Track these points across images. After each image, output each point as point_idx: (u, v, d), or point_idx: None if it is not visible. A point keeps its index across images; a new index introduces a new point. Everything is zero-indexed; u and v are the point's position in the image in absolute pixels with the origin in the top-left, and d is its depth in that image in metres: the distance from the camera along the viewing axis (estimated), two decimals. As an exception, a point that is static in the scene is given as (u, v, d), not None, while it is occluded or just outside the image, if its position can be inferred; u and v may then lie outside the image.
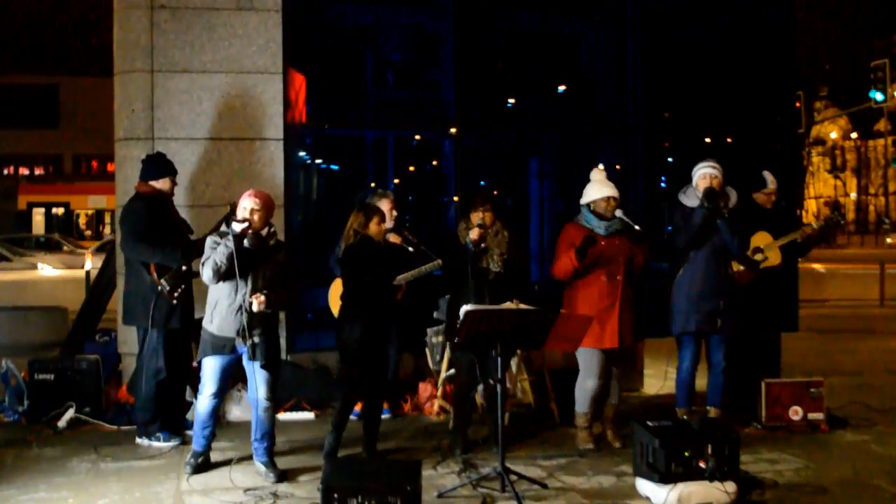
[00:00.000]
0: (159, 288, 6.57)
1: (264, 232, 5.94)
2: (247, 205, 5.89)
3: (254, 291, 5.82)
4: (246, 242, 5.82)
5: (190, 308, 6.81)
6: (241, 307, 5.84)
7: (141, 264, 6.68)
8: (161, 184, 6.82)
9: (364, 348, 6.19)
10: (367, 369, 6.24)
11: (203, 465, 6.11)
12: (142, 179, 6.88)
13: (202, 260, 5.86)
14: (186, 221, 7.06)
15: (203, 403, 6.08)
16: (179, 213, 7.08)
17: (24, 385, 7.53)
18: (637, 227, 6.52)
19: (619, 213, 6.58)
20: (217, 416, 6.24)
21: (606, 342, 6.51)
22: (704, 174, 6.83)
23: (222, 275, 5.79)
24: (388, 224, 7.46)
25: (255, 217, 5.87)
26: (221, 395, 6.17)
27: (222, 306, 5.90)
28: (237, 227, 5.80)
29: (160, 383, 6.76)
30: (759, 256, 7.18)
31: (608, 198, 6.63)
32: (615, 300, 6.55)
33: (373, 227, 6.23)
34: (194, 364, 6.63)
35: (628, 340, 6.64)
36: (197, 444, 6.13)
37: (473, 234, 6.38)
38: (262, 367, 5.94)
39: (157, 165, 6.87)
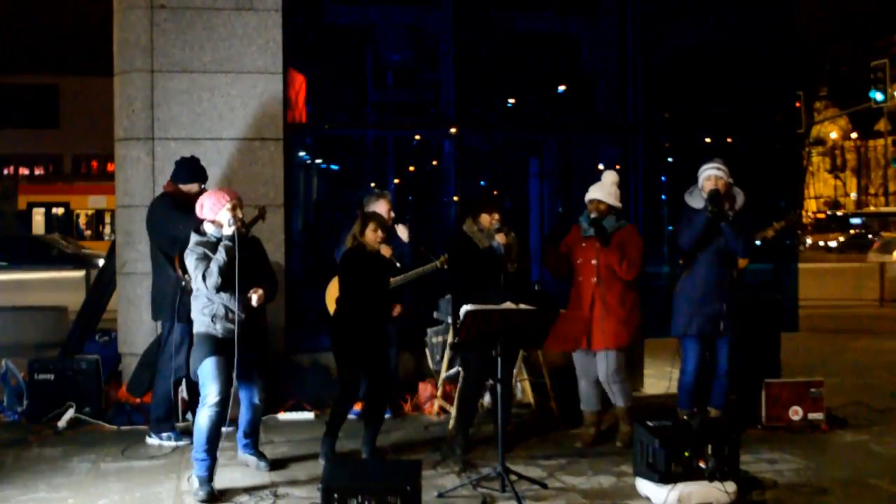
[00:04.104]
0: (183, 283, 6.56)
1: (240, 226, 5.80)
2: (230, 205, 5.73)
3: (249, 287, 5.74)
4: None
5: None
6: (240, 305, 5.71)
7: (166, 260, 6.70)
8: (188, 188, 6.83)
9: (356, 352, 6.20)
10: (367, 372, 6.24)
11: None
12: (171, 180, 6.93)
13: (198, 272, 5.63)
14: None
15: (207, 415, 5.60)
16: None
17: (24, 385, 7.53)
18: (602, 237, 6.55)
19: (592, 215, 6.62)
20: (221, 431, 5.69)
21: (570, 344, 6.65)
22: (710, 176, 6.75)
23: (225, 280, 5.62)
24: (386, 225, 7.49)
25: (239, 213, 5.78)
26: (227, 403, 5.70)
27: (224, 311, 5.71)
28: (230, 230, 5.67)
29: (177, 381, 6.75)
30: None
31: (590, 200, 6.71)
32: (587, 303, 6.63)
33: (368, 235, 6.19)
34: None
35: (597, 343, 6.62)
36: (204, 468, 5.59)
37: (502, 238, 6.42)
38: (259, 374, 5.95)
39: (189, 170, 6.90)
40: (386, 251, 6.28)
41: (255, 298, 5.75)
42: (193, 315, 5.85)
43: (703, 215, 6.66)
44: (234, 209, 5.75)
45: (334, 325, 6.35)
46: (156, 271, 6.91)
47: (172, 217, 6.67)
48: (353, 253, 6.22)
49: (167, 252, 6.70)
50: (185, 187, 6.84)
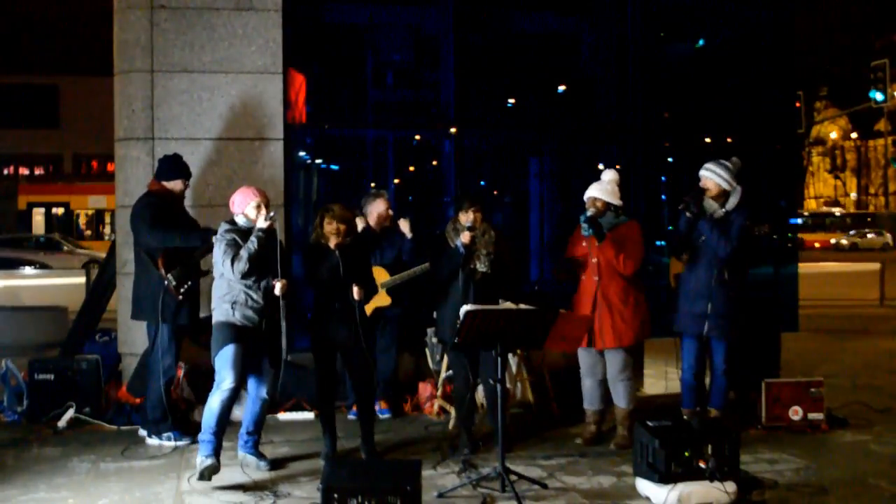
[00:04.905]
0: (166, 283, 6.57)
1: None
2: (255, 202, 6.05)
3: (272, 278, 5.96)
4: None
5: (197, 306, 6.82)
6: (264, 293, 5.96)
7: (149, 259, 6.70)
8: (172, 185, 6.88)
9: (321, 348, 6.27)
10: (344, 359, 6.30)
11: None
12: (155, 178, 6.97)
13: (226, 258, 5.87)
14: (196, 221, 7.07)
15: (219, 399, 5.85)
16: (188, 213, 7.14)
17: (24, 385, 7.53)
18: (596, 232, 6.53)
19: (588, 213, 6.60)
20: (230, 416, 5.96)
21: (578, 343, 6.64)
22: (699, 176, 6.85)
23: (251, 268, 5.88)
24: (386, 223, 7.49)
25: (264, 210, 6.06)
26: (238, 390, 5.95)
27: (244, 297, 5.95)
28: (265, 224, 5.96)
29: (169, 381, 6.77)
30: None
31: (588, 198, 6.71)
32: (589, 302, 6.63)
33: (325, 227, 6.22)
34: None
35: (601, 342, 6.62)
36: (210, 449, 5.78)
37: (465, 237, 6.35)
38: (272, 364, 6.09)
39: (172, 167, 6.94)
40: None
41: (278, 287, 5.95)
42: (213, 303, 6.07)
43: (684, 215, 6.76)
44: (258, 207, 6.04)
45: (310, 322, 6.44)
46: (139, 271, 6.89)
47: (157, 217, 6.67)
48: (309, 249, 6.31)
49: (151, 252, 6.69)
50: (168, 184, 6.87)
